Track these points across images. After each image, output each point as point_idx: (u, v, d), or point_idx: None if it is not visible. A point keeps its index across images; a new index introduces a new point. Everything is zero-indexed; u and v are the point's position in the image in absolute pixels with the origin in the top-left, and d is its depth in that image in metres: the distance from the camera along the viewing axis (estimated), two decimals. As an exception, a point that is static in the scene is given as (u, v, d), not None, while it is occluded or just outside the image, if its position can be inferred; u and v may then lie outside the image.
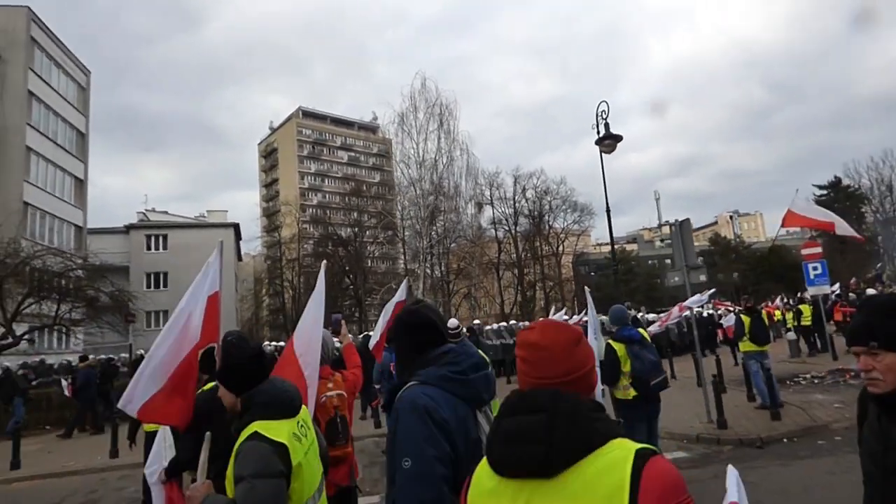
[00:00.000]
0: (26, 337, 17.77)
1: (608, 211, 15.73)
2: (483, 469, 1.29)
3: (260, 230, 71.81)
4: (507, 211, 41.05)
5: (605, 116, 15.06)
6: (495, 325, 19.81)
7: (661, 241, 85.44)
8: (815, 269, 15.72)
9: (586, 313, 7.97)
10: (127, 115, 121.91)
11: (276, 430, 2.17)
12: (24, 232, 23.44)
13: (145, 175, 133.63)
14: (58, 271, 18.55)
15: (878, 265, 31.80)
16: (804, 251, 16.28)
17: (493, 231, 41.41)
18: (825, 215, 15.29)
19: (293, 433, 2.24)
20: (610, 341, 5.47)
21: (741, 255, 58.98)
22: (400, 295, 6.55)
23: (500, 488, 1.21)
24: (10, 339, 16.70)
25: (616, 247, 63.49)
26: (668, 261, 74.11)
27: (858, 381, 7.63)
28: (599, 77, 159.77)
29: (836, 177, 49.47)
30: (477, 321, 23.04)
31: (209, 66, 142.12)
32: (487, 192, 39.23)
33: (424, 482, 1.62)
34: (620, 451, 1.12)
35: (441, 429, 1.69)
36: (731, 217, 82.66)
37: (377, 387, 9.55)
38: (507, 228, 41.16)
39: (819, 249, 16.14)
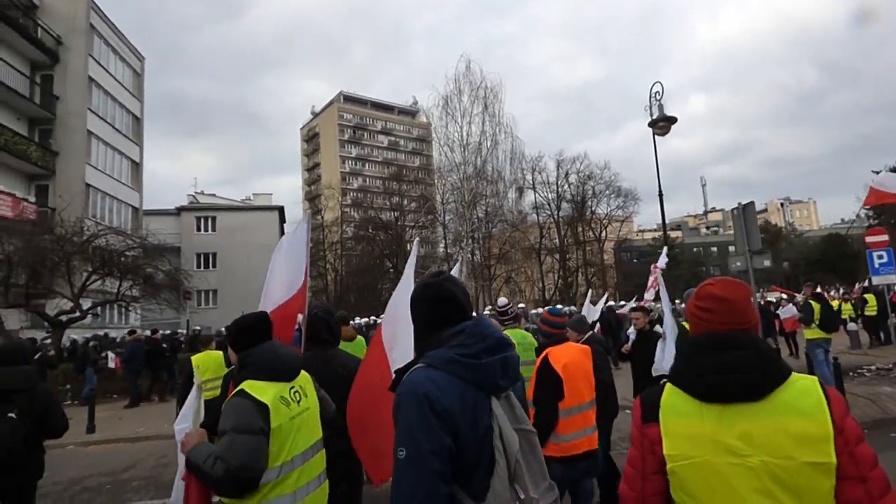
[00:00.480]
0: (92, 311, 18.73)
1: (661, 195, 15.38)
2: (676, 396, 1.53)
3: (302, 214, 73.79)
4: (549, 196, 40.60)
5: (658, 98, 14.69)
6: (539, 310, 19.74)
7: (707, 228, 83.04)
8: (880, 257, 14.97)
9: (636, 299, 8.53)
10: (171, 101, 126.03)
11: (261, 390, 2.29)
12: (87, 212, 24.60)
13: (189, 159, 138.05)
14: (119, 250, 19.39)
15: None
16: (869, 238, 15.52)
17: (534, 216, 41.14)
18: None
19: (281, 396, 2.34)
20: (685, 323, 5.52)
21: (792, 244, 56.79)
22: (455, 273, 6.62)
23: (703, 411, 1.46)
24: (78, 314, 17.62)
25: (658, 234, 61.88)
26: (714, 248, 72.12)
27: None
28: (641, 59, 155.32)
29: (898, 162, 46.83)
30: (521, 304, 23.00)
31: (251, 52, 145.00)
32: (530, 177, 38.85)
33: (417, 477, 1.53)
34: (807, 380, 1.46)
35: (442, 420, 1.57)
36: (781, 204, 79.58)
37: None
38: (549, 213, 40.75)
39: (885, 237, 15.37)
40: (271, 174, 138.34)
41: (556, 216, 40.55)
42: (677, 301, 11.63)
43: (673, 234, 70.20)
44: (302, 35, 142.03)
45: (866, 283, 23.26)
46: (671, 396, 1.54)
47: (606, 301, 17.53)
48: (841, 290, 27.37)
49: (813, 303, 9.17)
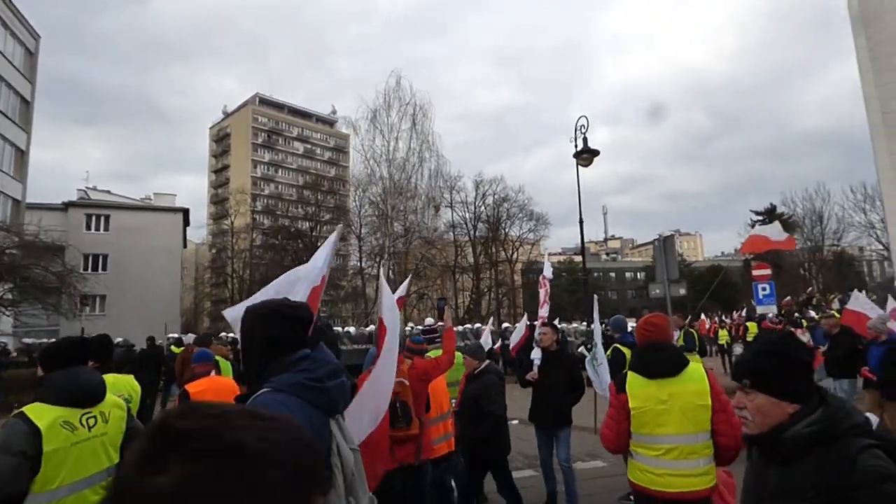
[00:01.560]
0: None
1: (581, 221, 16.28)
2: (634, 377, 3.12)
3: (206, 217, 69.73)
4: (466, 215, 41.50)
5: (584, 131, 15.58)
6: (459, 328, 20.02)
7: (607, 254, 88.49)
8: (763, 289, 16.82)
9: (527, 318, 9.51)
10: (61, 82, 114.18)
11: (41, 413, 2.35)
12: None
13: (78, 149, 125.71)
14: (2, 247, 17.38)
15: (809, 289, 34.46)
16: (755, 272, 17.37)
17: (450, 234, 41.79)
18: (779, 233, 15.72)
19: (65, 421, 2.38)
20: (618, 346, 6.26)
21: (682, 273, 61.82)
22: (401, 291, 6.63)
23: (649, 384, 3.06)
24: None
25: (563, 257, 65.07)
26: (613, 274, 77.05)
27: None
28: (555, 90, 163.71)
29: (771, 204, 52.85)
30: (440, 323, 23.18)
31: (158, 40, 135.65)
32: (448, 195, 39.52)
33: None
34: (696, 364, 3.16)
35: None
36: (672, 236, 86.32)
37: None
38: (465, 232, 41.63)
39: (769, 271, 17.28)
40: (173, 172, 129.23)
41: (472, 235, 41.48)
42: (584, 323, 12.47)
43: (576, 258, 74.22)
44: (217, 30, 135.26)
45: (744, 312, 25.97)
46: (632, 377, 3.14)
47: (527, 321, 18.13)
48: (722, 317, 30.37)
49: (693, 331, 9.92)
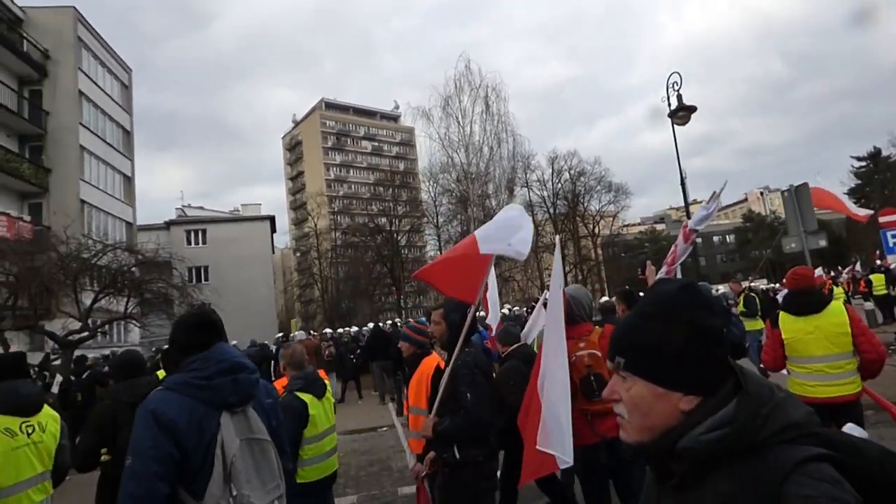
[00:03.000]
0: (101, 330, 18.23)
1: (683, 184, 15.62)
2: (785, 316, 4.06)
3: (288, 223, 72.95)
4: (544, 194, 40.82)
5: (677, 88, 14.90)
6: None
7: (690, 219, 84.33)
8: (894, 237, 15.39)
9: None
10: (140, 116, 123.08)
11: None
12: (83, 229, 23.95)
13: (163, 175, 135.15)
14: (127, 266, 18.92)
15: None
16: (882, 219, 15.86)
17: (528, 214, 41.24)
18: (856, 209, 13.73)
19: (7, 427, 2.67)
20: None
21: (777, 232, 57.97)
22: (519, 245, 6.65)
23: (797, 319, 3.98)
24: (87, 333, 17.12)
25: (645, 227, 62.66)
26: (700, 239, 73.23)
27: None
28: (609, 57, 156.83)
29: (875, 147, 48.30)
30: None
31: (217, 64, 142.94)
32: (523, 175, 38.99)
33: (138, 479, 1.83)
34: (837, 302, 4.14)
35: (166, 432, 1.88)
36: (761, 193, 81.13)
37: None
38: (545, 210, 40.97)
39: (898, 216, 15.76)
40: (251, 185, 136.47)
41: (552, 213, 40.79)
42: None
43: (658, 226, 71.18)
44: (268, 46, 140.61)
45: (857, 266, 23.85)
46: (784, 316, 4.06)
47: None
48: (830, 273, 28.12)
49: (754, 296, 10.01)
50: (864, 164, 49.07)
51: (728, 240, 70.52)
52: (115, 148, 29.91)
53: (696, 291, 1.04)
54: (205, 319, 2.16)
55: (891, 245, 15.66)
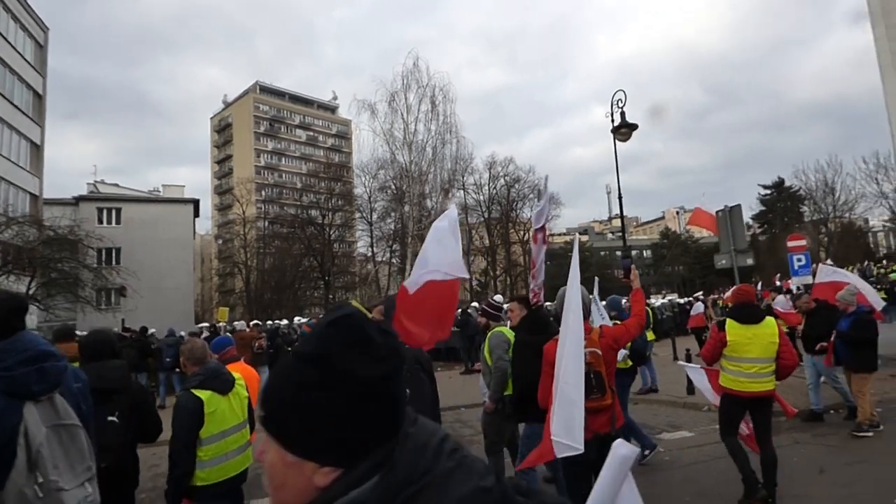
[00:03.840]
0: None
1: (620, 198, 16.26)
2: (731, 322, 4.83)
3: (211, 208, 69.47)
4: (479, 198, 41.45)
5: (621, 105, 15.49)
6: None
7: (612, 233, 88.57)
8: (799, 260, 16.86)
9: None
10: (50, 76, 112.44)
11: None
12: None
13: (69, 145, 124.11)
14: (32, 243, 17.33)
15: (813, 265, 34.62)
16: (790, 243, 17.35)
17: (463, 217, 41.78)
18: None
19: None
20: (618, 322, 6.83)
21: (689, 250, 61.97)
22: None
23: (741, 327, 4.77)
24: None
25: (569, 237, 64.60)
26: (619, 253, 77.18)
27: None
28: (546, 70, 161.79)
29: (779, 177, 52.78)
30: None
31: (144, 32, 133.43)
32: (461, 178, 39.39)
33: None
34: (770, 319, 4.87)
35: None
36: (677, 212, 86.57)
37: None
38: (480, 213, 41.59)
39: (804, 242, 17.29)
40: (171, 165, 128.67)
41: (486, 217, 41.47)
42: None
43: (583, 237, 74.26)
44: (201, 20, 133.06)
45: (759, 286, 25.89)
46: (730, 322, 4.83)
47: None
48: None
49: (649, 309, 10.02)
50: (769, 191, 53.45)
51: (645, 255, 74.63)
52: (23, 111, 27.21)
53: (347, 327, 0.78)
54: (22, 304, 2.13)
55: (796, 268, 17.18)
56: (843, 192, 43.75)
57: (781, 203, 51.90)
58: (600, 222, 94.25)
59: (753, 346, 4.68)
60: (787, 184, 51.05)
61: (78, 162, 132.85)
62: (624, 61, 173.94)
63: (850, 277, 8.49)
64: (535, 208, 5.85)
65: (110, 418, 3.15)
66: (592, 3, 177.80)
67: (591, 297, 6.12)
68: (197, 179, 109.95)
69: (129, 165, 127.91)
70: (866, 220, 52.48)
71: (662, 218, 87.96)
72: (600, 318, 6.89)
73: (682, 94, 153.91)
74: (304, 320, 20.27)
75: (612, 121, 15.49)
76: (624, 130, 15.37)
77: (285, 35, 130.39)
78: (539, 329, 4.58)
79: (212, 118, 76.21)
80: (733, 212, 9.54)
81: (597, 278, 8.26)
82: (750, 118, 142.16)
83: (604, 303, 14.54)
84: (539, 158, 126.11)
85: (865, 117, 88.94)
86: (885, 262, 25.30)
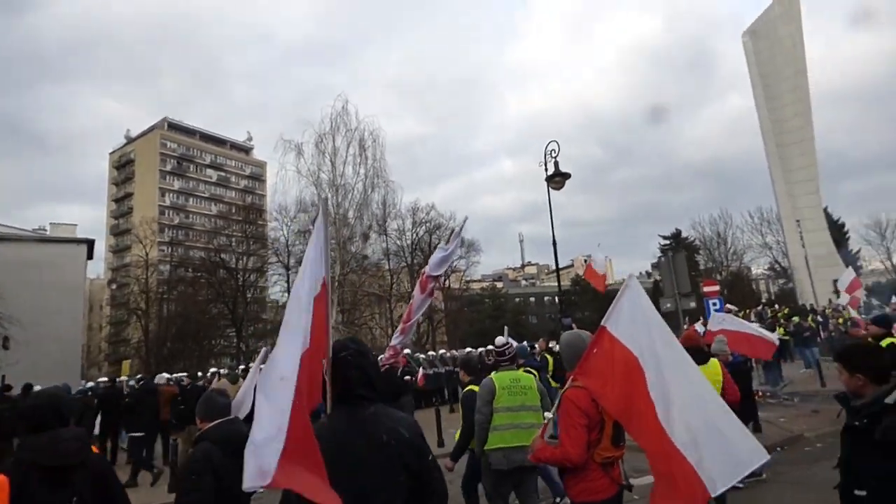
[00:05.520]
0: None
1: (554, 244, 16.53)
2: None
3: (105, 250, 63.77)
4: (402, 243, 41.28)
5: (554, 155, 16.02)
6: (427, 355, 19.60)
7: (525, 279, 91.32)
8: (714, 304, 17.98)
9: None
10: None
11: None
12: None
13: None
14: None
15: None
16: (705, 289, 18.41)
17: (382, 262, 41.19)
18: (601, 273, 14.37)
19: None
20: (526, 369, 7.00)
21: (598, 296, 64.97)
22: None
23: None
24: None
25: (486, 284, 65.91)
26: (532, 298, 79.40)
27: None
28: (459, 121, 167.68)
29: (677, 229, 57.33)
30: (406, 350, 22.58)
31: (31, 57, 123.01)
32: (382, 224, 39.06)
33: None
34: (714, 360, 5.46)
35: None
36: (584, 260, 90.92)
37: None
38: (401, 259, 41.28)
39: (717, 287, 18.49)
40: (53, 202, 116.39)
41: (409, 262, 41.24)
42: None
43: (498, 284, 75.82)
44: (100, 49, 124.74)
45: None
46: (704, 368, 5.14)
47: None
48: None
49: (547, 356, 9.80)
50: (668, 241, 57.76)
51: (556, 301, 77.37)
52: None
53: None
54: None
55: (712, 312, 18.21)
56: (733, 243, 48.07)
57: (678, 252, 56.33)
58: (513, 269, 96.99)
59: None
60: (684, 234, 55.46)
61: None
62: (531, 118, 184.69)
63: (741, 324, 8.30)
64: (438, 252, 5.26)
65: None
66: (499, 60, 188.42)
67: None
68: (86, 219, 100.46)
69: (5, 201, 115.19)
70: (749, 269, 58.15)
71: (572, 265, 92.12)
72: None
73: (582, 151, 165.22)
74: (222, 371, 18.55)
75: (546, 169, 15.94)
76: (557, 179, 15.84)
77: (191, 71, 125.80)
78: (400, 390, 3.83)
79: (111, 153, 71.09)
80: (677, 258, 9.94)
81: (506, 327, 8.44)
82: (643, 175, 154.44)
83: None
84: (451, 206, 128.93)
85: (739, 177, 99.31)
86: (775, 305, 27.66)
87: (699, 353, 5.26)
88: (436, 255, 5.24)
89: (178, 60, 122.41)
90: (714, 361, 5.37)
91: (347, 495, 1.85)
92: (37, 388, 13.81)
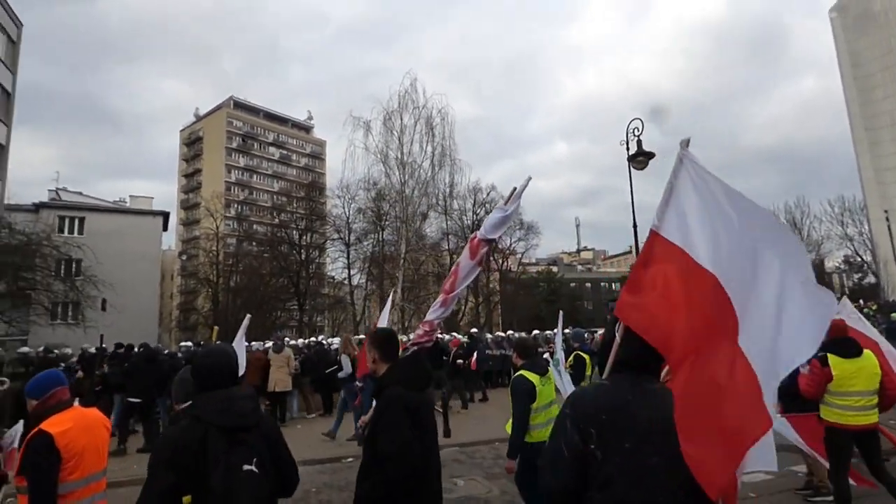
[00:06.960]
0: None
1: (635, 227, 16.09)
2: (833, 357, 4.76)
3: (176, 223, 66.88)
4: (464, 223, 41.25)
5: (637, 134, 15.47)
6: (494, 335, 19.56)
7: (581, 265, 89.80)
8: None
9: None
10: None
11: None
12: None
13: (18, 152, 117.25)
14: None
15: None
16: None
17: (437, 242, 41.26)
18: None
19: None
20: (579, 353, 7.49)
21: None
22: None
23: (844, 361, 4.76)
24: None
25: (541, 267, 65.28)
26: (588, 284, 77.91)
27: None
28: (512, 104, 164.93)
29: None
30: (474, 329, 22.69)
31: (100, 41, 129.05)
32: (444, 203, 39.05)
33: None
34: (868, 352, 4.87)
35: None
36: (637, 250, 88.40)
37: (359, 384, 8.58)
38: (462, 238, 41.30)
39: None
40: (128, 177, 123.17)
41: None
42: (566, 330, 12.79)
43: (553, 268, 74.80)
44: (161, 33, 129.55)
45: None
46: (832, 357, 4.80)
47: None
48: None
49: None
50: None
51: (613, 287, 75.67)
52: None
53: None
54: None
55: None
56: (809, 233, 45.49)
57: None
58: (569, 254, 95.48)
59: (858, 379, 4.75)
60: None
61: (26, 169, 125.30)
62: (585, 100, 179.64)
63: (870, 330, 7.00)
64: (497, 212, 4.38)
65: (248, 467, 2.24)
66: (554, 41, 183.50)
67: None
68: (158, 193, 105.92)
69: (83, 176, 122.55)
70: (822, 262, 54.90)
71: (630, 252, 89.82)
72: (560, 349, 7.82)
73: (642, 136, 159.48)
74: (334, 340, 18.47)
75: (628, 149, 15.46)
76: (640, 159, 15.34)
77: (249, 53, 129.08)
78: (423, 382, 3.00)
79: (181, 131, 74.13)
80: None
81: (561, 312, 8.98)
82: (707, 158, 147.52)
83: (568, 330, 14.28)
84: (506, 189, 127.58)
85: (813, 163, 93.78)
86: (859, 301, 26.05)
87: (851, 344, 4.87)
88: (493, 216, 4.31)
89: (235, 42, 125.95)
90: (869, 353, 4.86)
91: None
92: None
